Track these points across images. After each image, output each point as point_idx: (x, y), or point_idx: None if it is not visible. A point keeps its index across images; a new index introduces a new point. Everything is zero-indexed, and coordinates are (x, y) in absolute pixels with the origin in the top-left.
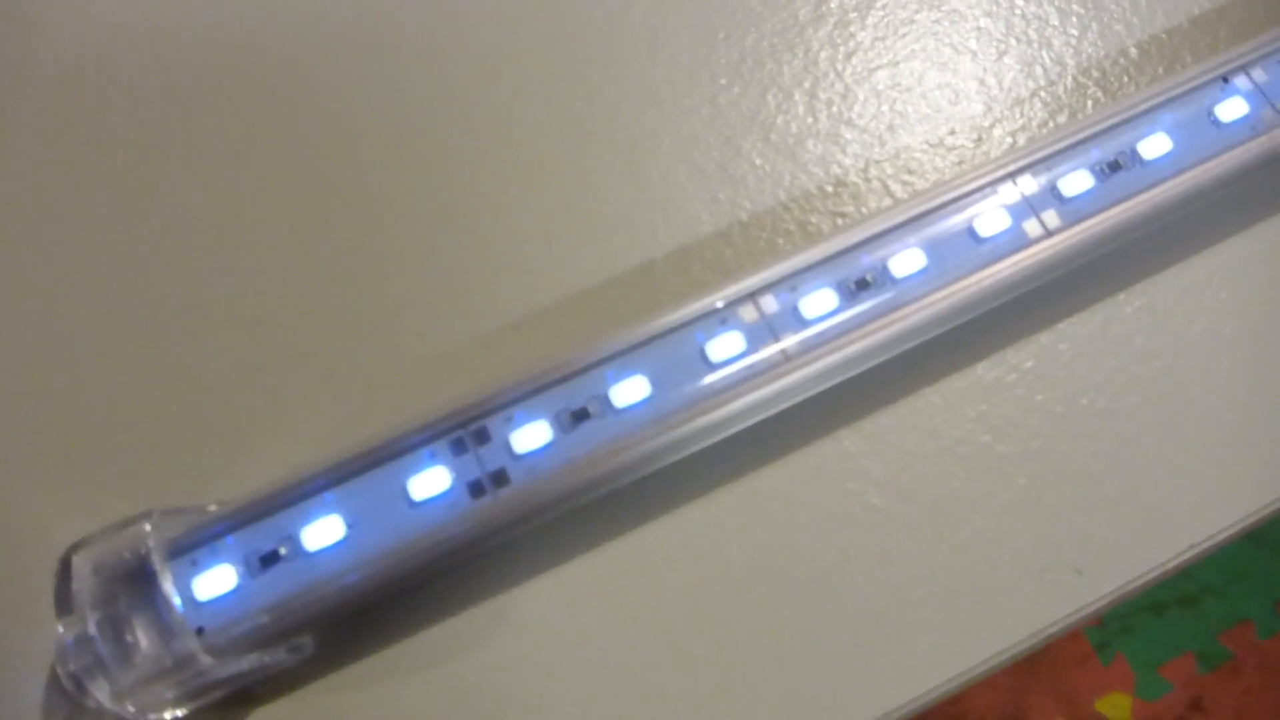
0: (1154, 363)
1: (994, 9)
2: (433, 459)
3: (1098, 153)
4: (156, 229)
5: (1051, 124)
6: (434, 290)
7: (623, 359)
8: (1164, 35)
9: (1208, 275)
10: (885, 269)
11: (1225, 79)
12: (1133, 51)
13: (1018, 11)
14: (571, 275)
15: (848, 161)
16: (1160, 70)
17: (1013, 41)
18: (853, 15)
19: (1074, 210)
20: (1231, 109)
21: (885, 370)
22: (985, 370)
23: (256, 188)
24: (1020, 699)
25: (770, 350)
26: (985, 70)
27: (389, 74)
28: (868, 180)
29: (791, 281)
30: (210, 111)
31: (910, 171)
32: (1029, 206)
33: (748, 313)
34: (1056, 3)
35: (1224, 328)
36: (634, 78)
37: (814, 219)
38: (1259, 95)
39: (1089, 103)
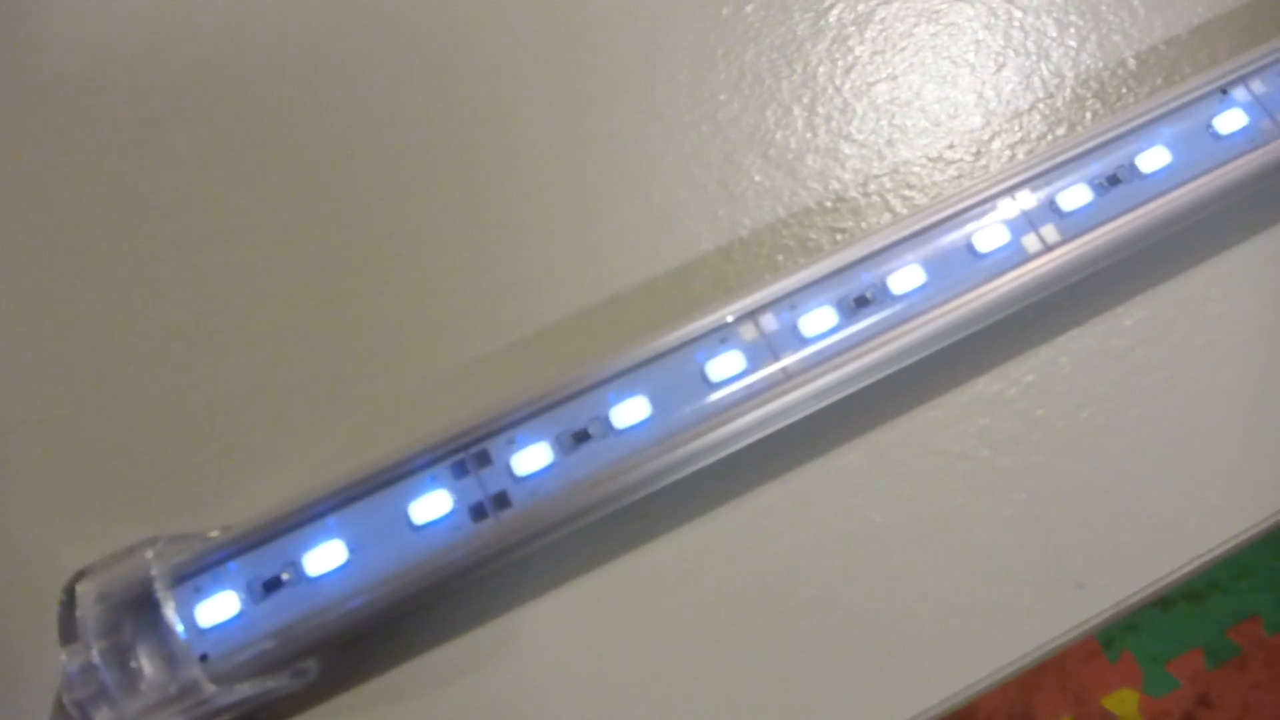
0: (1154, 376)
1: (992, 22)
2: (434, 482)
3: (1096, 167)
4: (156, 254)
5: (1050, 136)
6: (434, 312)
7: (623, 380)
8: (1163, 46)
9: (1207, 288)
10: (884, 286)
11: (1224, 91)
12: (1131, 63)
13: (1016, 24)
14: (573, 295)
15: (847, 177)
16: (1159, 81)
17: (1011, 54)
18: (851, 30)
19: (1073, 225)
20: (1230, 121)
21: (886, 386)
22: (986, 385)
23: (257, 212)
24: (1028, 696)
25: (771, 369)
26: (984, 83)
27: (387, 94)
28: (867, 195)
29: (791, 300)
30: (211, 136)
31: (910, 186)
32: (1028, 221)
33: (748, 331)
34: (1055, 14)
35: (1224, 340)
36: (634, 95)
37: (813, 235)
38: (1258, 107)
39: (1088, 114)
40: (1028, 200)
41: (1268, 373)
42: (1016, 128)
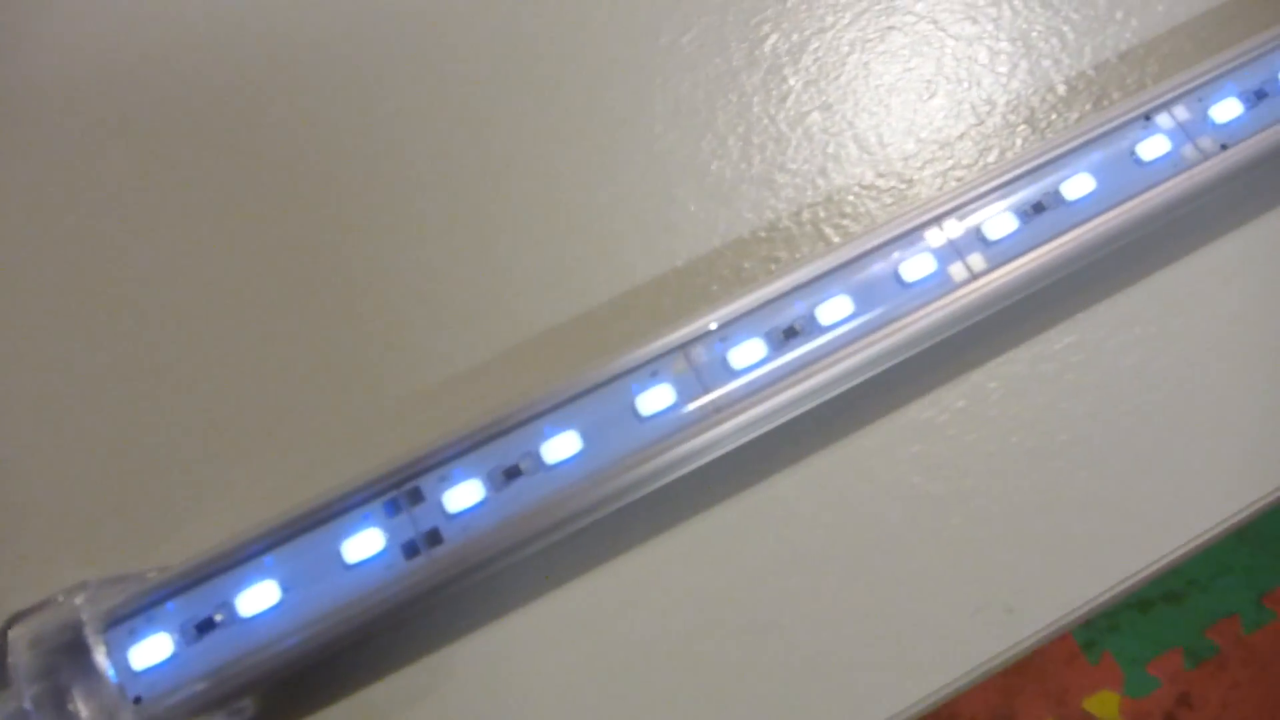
0: (1083, 399)
1: (924, 49)
2: (367, 521)
3: (1022, 195)
4: (91, 293)
5: (981, 163)
6: (367, 349)
7: (554, 415)
8: (1092, 71)
9: (1135, 311)
10: (813, 317)
11: (1148, 117)
12: (1061, 89)
13: (948, 51)
14: (508, 329)
15: (781, 206)
16: (1088, 107)
17: (942, 81)
18: (785, 59)
19: (999, 253)
20: (1153, 147)
21: (818, 414)
22: (918, 411)
23: (177, 264)
24: (1010, 699)
25: (700, 402)
26: (915, 111)
27: (315, 147)
28: (801, 225)
29: (722, 332)
30: (147, 183)
31: (843, 215)
32: (954, 250)
33: (678, 365)
34: (986, 41)
35: (1153, 362)
36: (571, 126)
37: (748, 264)
38: (1181, 133)
39: (1018, 140)
40: (954, 229)
41: (1196, 394)
42: (948, 155)
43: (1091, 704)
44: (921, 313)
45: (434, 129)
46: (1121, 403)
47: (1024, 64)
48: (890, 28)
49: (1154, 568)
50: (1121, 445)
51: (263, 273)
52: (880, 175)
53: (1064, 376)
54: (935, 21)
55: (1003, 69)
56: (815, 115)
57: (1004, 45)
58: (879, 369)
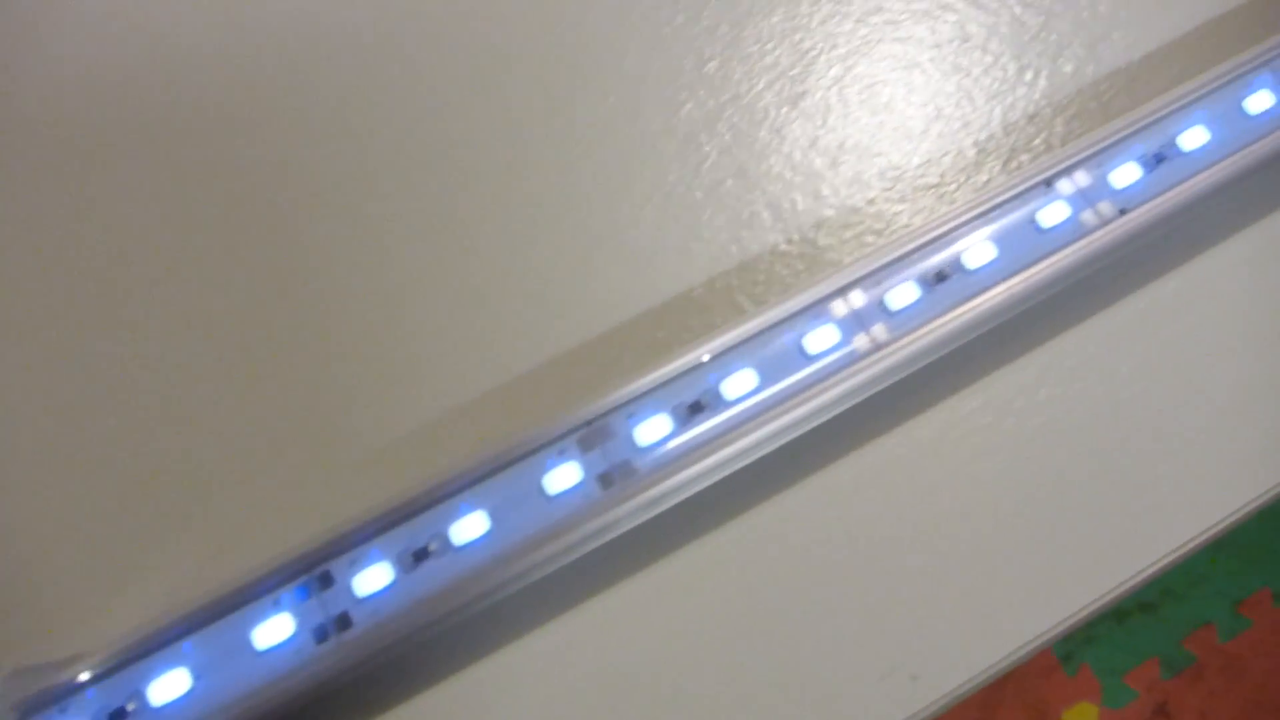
0: (989, 462)
1: (834, 116)
2: (277, 607)
3: (925, 264)
4: None
5: (891, 228)
6: (273, 434)
7: (462, 496)
8: (1001, 134)
9: (1041, 373)
10: (718, 392)
11: (1049, 183)
12: (970, 152)
13: (858, 118)
14: (414, 408)
15: (695, 275)
16: (996, 168)
17: (852, 147)
18: (700, 127)
19: (902, 322)
20: (1053, 214)
21: (728, 483)
22: (826, 479)
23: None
24: (990, 714)
25: (608, 481)
26: (823, 179)
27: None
28: (714, 292)
29: (629, 408)
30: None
31: (755, 282)
32: (858, 321)
33: (585, 443)
34: (897, 106)
35: (1060, 423)
36: (487, 198)
37: (661, 334)
38: (1080, 199)
39: (926, 204)
40: (858, 299)
41: (1100, 456)
42: (858, 220)
43: (1070, 716)
44: (826, 384)
45: (342, 223)
46: (1028, 466)
47: (934, 128)
48: (803, 93)
49: (1056, 630)
50: (1026, 509)
51: (138, 385)
52: (790, 242)
53: (970, 439)
54: (844, 89)
55: (914, 133)
56: (730, 182)
57: (914, 111)
58: (784, 440)
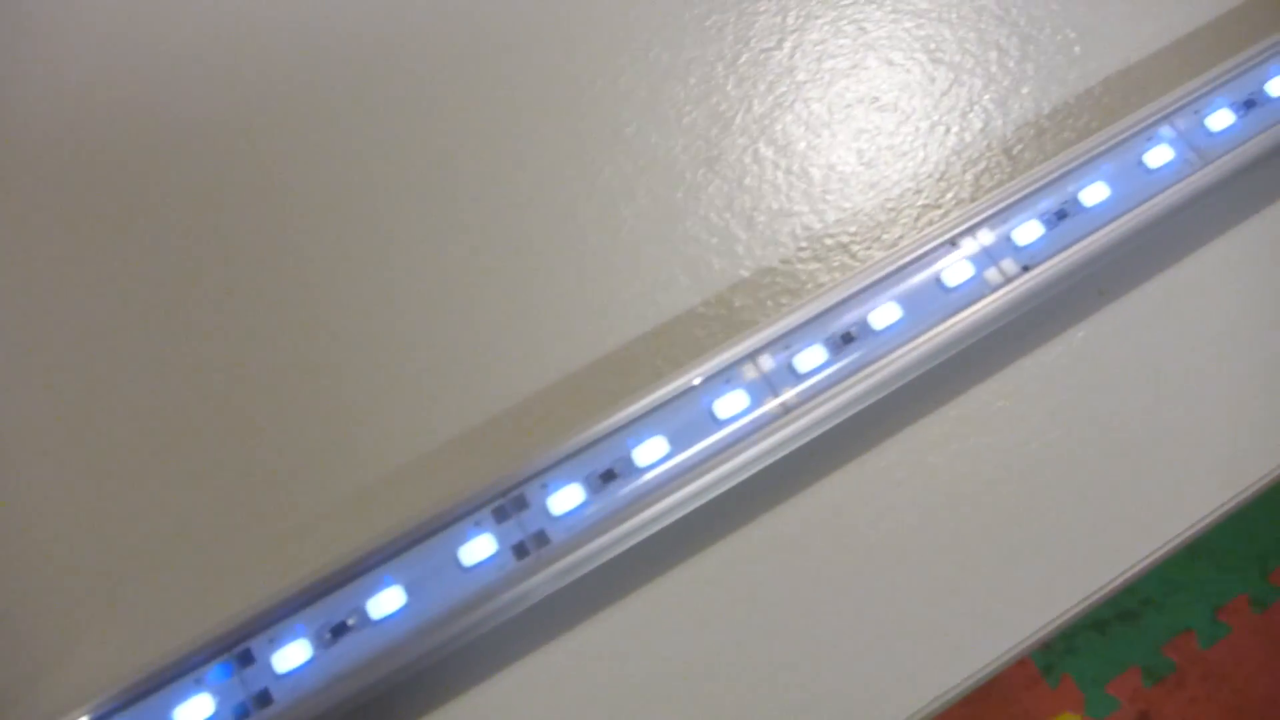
0: (898, 520)
1: (742, 180)
2: (199, 686)
3: (833, 326)
4: None
5: (805, 287)
6: (192, 513)
7: (380, 570)
8: (912, 190)
9: (945, 436)
10: (630, 459)
11: (953, 242)
12: (881, 213)
13: (771, 182)
14: (337, 479)
15: (612, 339)
16: (908, 225)
17: (764, 207)
18: (618, 193)
19: (811, 386)
20: (958, 272)
21: (647, 547)
22: (731, 546)
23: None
24: None
25: (522, 551)
26: (738, 240)
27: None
28: (631, 356)
29: (542, 479)
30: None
31: (673, 345)
32: (768, 385)
33: (500, 513)
34: (810, 167)
35: (970, 477)
36: (403, 273)
37: (577, 402)
38: (985, 257)
39: (841, 260)
40: (767, 364)
41: (1013, 506)
42: (771, 281)
43: None
44: (736, 449)
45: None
46: (942, 518)
47: (847, 187)
48: (718, 156)
49: (968, 685)
50: (932, 570)
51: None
52: (707, 304)
53: (887, 494)
54: (757, 154)
55: (826, 192)
56: (647, 246)
57: (826, 170)
58: (697, 505)
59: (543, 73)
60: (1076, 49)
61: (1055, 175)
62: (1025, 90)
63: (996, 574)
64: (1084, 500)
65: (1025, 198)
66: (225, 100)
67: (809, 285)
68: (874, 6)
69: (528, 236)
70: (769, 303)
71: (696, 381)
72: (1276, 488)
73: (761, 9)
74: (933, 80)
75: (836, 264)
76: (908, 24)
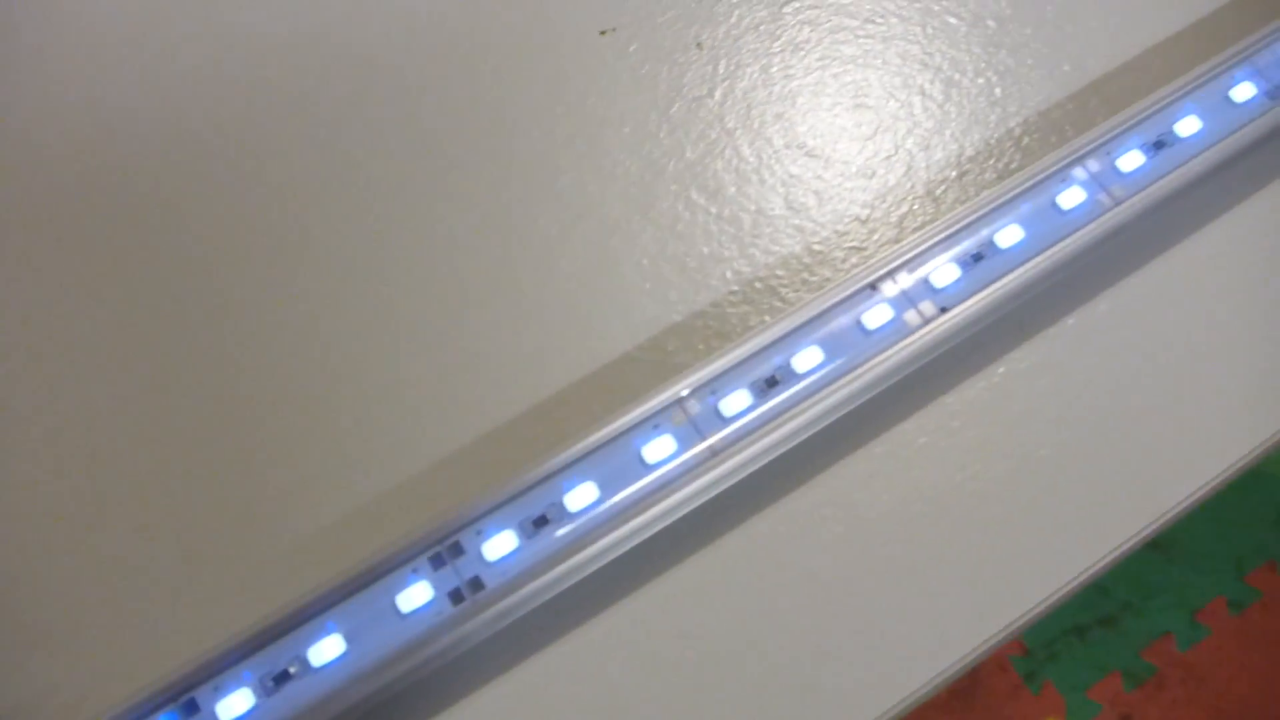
0: (826, 558)
1: (675, 225)
2: None
3: (759, 370)
4: None
5: (735, 330)
6: (133, 563)
7: (320, 618)
8: (835, 235)
9: (870, 474)
10: (562, 505)
11: (873, 287)
12: (806, 257)
13: (704, 226)
14: (274, 532)
15: (547, 386)
16: (833, 269)
17: (695, 252)
18: (554, 239)
19: (737, 431)
20: (877, 316)
21: (580, 589)
22: (672, 582)
23: None
24: None
25: (458, 598)
26: (671, 285)
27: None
28: (565, 403)
29: (477, 525)
30: None
31: (611, 389)
32: (695, 429)
33: (436, 560)
34: (740, 212)
35: (903, 509)
36: (344, 322)
37: (514, 447)
38: (904, 300)
39: (770, 304)
40: (694, 407)
41: (942, 537)
42: (704, 325)
43: None
44: (665, 492)
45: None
46: (873, 551)
47: (774, 231)
48: (652, 202)
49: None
50: (862, 597)
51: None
52: (640, 348)
53: (816, 532)
54: (689, 200)
55: (755, 237)
56: (582, 292)
57: (755, 215)
58: (632, 545)
59: (478, 122)
60: (997, 91)
61: (972, 219)
62: (948, 133)
63: (917, 605)
64: (1006, 533)
65: (942, 241)
66: (224, 114)
67: (739, 328)
68: (801, 54)
69: (462, 284)
70: (700, 346)
71: (625, 428)
72: (1249, 490)
73: (693, 59)
74: (859, 125)
75: (766, 306)
76: (834, 70)
